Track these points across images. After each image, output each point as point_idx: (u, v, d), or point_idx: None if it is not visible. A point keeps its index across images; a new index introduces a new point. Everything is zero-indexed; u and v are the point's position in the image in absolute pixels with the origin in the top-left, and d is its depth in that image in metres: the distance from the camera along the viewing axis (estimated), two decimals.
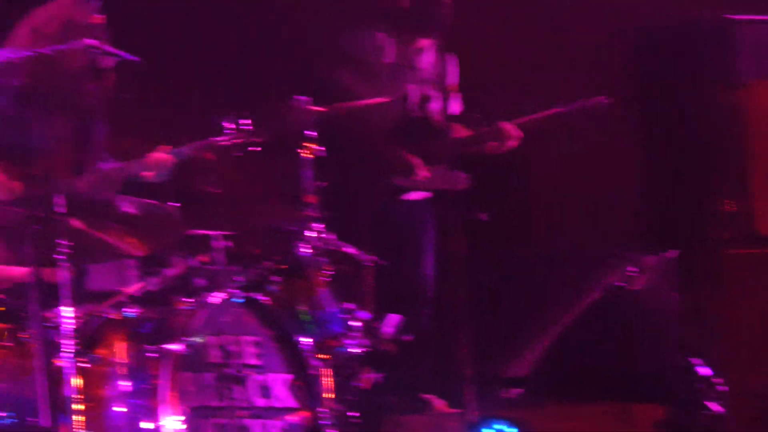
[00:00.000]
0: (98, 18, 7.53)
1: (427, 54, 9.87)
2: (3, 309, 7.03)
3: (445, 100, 9.84)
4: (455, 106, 9.90)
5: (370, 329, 8.29)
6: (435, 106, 9.85)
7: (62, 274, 6.94)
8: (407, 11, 9.71)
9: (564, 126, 9.90)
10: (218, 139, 8.43)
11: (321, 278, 8.18)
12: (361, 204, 9.49)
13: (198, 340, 7.51)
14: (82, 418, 6.89)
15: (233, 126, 8.38)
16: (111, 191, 8.40)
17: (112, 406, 7.42)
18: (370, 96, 9.23)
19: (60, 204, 6.95)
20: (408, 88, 9.78)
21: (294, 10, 10.45)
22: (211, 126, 8.43)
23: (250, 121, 8.40)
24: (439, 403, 9.52)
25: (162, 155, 8.45)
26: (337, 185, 8.85)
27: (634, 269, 9.89)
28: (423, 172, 9.63)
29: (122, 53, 7.90)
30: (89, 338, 7.53)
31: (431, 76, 9.87)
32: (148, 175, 8.45)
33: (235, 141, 8.41)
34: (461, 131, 9.78)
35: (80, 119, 8.61)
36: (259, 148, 8.51)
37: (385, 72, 9.71)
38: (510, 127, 9.64)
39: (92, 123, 8.67)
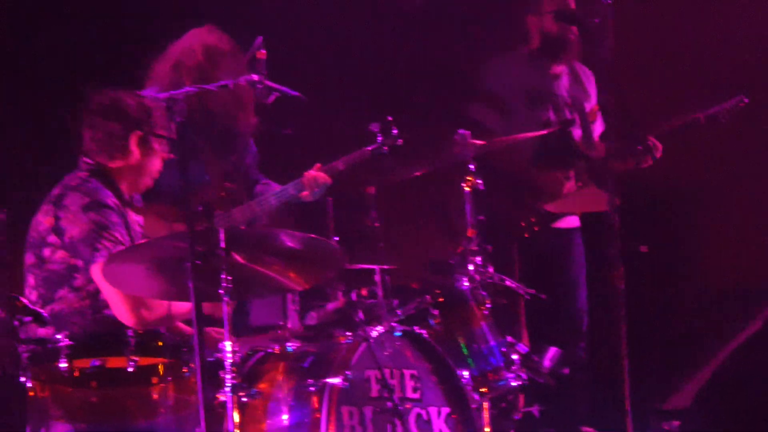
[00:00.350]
0: (261, 54, 7.39)
1: (564, 78, 9.75)
2: (161, 344, 6.81)
3: (587, 120, 9.73)
4: (597, 126, 9.78)
5: (528, 362, 8.11)
6: (577, 128, 9.73)
7: (224, 309, 6.80)
8: (547, 41, 9.63)
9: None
10: (368, 148, 8.43)
11: (480, 311, 8.04)
12: (513, 234, 9.32)
13: (358, 374, 7.36)
14: None
15: (382, 131, 8.38)
16: (269, 215, 8.50)
17: None
18: (516, 126, 9.17)
19: (221, 239, 6.81)
20: (551, 114, 9.64)
21: (443, 47, 10.25)
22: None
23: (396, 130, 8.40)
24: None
25: (317, 173, 8.42)
26: (492, 217, 8.70)
27: None
28: (571, 195, 9.52)
29: (285, 89, 7.81)
30: (250, 372, 7.48)
31: (571, 100, 9.75)
32: (305, 195, 8.43)
33: (385, 147, 8.40)
34: (605, 150, 9.58)
35: (240, 151, 8.53)
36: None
37: (529, 100, 9.61)
38: (654, 141, 9.43)
39: (249, 154, 8.57)
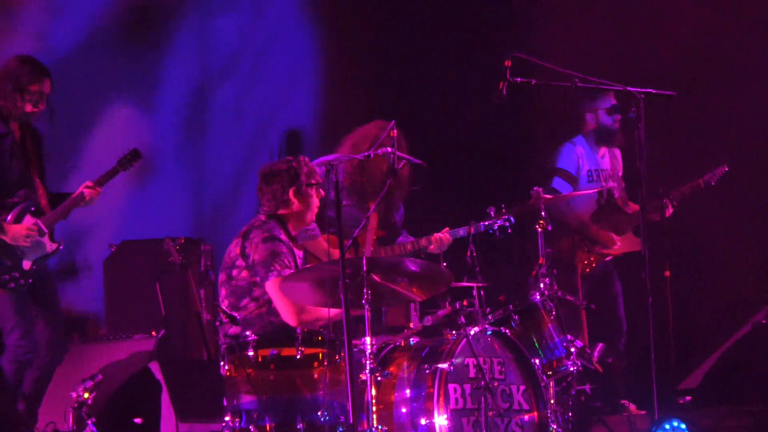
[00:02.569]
0: (395, 132, 7.33)
1: (607, 157, 9.58)
2: (320, 338, 6.80)
3: (622, 187, 9.63)
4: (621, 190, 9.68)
5: (583, 354, 7.97)
6: (616, 192, 9.58)
7: (365, 314, 6.80)
8: (601, 131, 9.47)
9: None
10: (482, 223, 8.29)
11: (548, 317, 7.88)
12: (577, 270, 9.21)
13: (460, 361, 7.28)
14: (376, 416, 6.73)
15: (495, 214, 8.28)
16: (404, 256, 8.34)
17: (398, 409, 7.27)
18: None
19: (364, 264, 6.81)
20: (603, 184, 9.50)
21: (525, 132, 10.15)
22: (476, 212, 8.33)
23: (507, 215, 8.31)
24: (631, 407, 9.17)
25: (444, 235, 8.34)
26: (562, 256, 8.84)
27: None
28: (617, 242, 9.38)
29: (412, 158, 7.77)
30: (383, 359, 7.44)
31: (612, 172, 9.58)
32: (432, 248, 8.36)
33: (496, 226, 8.30)
34: (635, 207, 9.43)
35: (385, 205, 8.50)
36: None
37: (587, 176, 9.48)
38: (667, 201, 9.24)
39: (398, 214, 8.56)
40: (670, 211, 9.23)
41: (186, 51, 10.57)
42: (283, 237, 7.45)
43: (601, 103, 9.42)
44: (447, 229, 8.37)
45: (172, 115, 10.54)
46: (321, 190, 7.60)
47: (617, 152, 9.66)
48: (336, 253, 7.51)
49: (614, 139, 9.51)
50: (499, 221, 8.27)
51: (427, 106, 10.43)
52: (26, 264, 7.86)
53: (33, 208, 7.94)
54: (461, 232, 8.32)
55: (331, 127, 9.57)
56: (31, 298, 7.94)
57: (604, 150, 9.53)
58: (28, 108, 7.95)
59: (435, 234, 8.36)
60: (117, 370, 8.43)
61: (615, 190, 9.55)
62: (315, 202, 7.61)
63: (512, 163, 10.46)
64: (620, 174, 9.64)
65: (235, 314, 7.11)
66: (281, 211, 7.55)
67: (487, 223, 8.27)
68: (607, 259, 9.41)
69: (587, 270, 9.14)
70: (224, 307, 7.31)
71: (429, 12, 10.67)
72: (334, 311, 6.95)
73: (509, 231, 8.30)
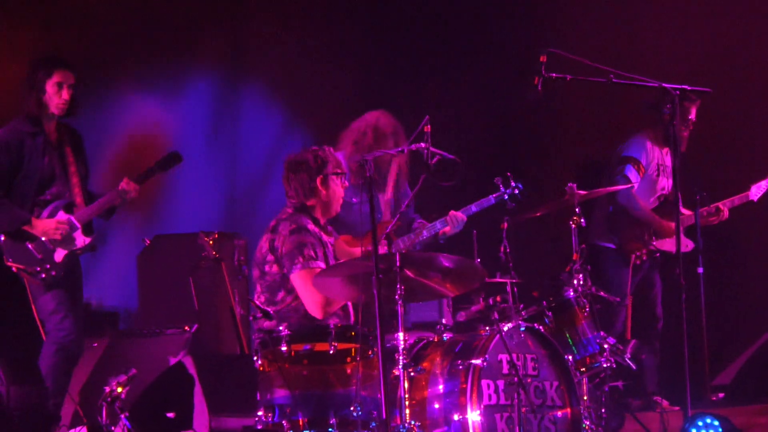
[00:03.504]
0: (427, 128, 7.29)
1: (668, 155, 9.48)
2: (353, 334, 6.80)
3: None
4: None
5: (616, 350, 7.88)
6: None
7: (398, 309, 6.80)
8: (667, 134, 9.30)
9: None
10: (492, 195, 8.34)
11: (581, 313, 7.85)
12: (629, 260, 9.14)
13: (493, 356, 7.27)
14: (409, 412, 6.76)
15: (502, 186, 8.31)
16: (422, 242, 8.37)
17: (431, 404, 7.26)
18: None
19: (397, 260, 6.82)
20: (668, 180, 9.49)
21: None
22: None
23: (514, 183, 8.31)
24: (664, 402, 9.15)
25: (457, 213, 8.34)
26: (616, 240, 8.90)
27: None
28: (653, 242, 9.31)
29: (444, 153, 7.71)
30: (416, 354, 7.43)
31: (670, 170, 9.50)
32: (447, 229, 8.35)
33: (506, 195, 8.30)
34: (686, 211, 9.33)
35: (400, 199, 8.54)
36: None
37: (657, 169, 9.49)
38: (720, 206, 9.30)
39: (407, 198, 8.51)
40: (725, 214, 9.31)
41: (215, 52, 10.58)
42: (311, 227, 7.42)
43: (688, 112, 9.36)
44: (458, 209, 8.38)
45: (204, 107, 10.52)
46: (345, 180, 7.59)
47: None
48: (356, 252, 7.53)
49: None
50: (508, 190, 8.28)
51: (455, 98, 10.39)
52: (58, 256, 8.04)
53: (66, 204, 8.10)
54: (473, 207, 8.33)
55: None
56: (65, 288, 8.08)
57: (666, 148, 9.45)
58: (52, 106, 8.07)
59: (450, 213, 8.33)
60: (150, 364, 8.44)
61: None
62: (340, 192, 7.60)
63: (544, 158, 10.41)
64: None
65: (270, 309, 7.11)
66: (309, 202, 7.52)
67: (497, 194, 8.29)
68: (657, 255, 9.33)
69: (638, 262, 9.04)
70: (260, 303, 7.31)
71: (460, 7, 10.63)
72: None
73: (520, 198, 8.30)
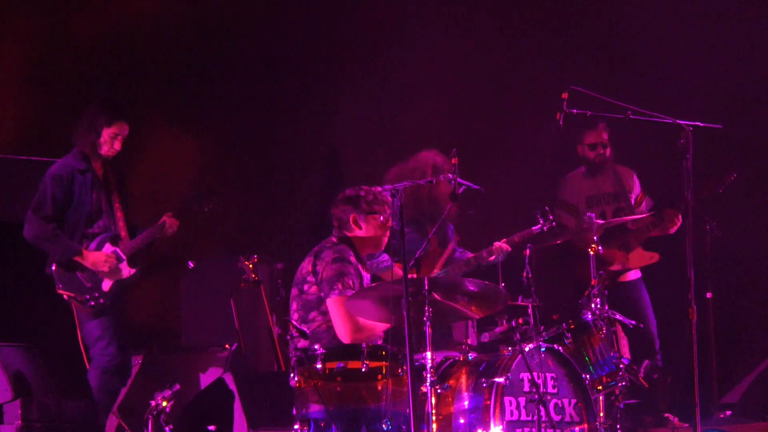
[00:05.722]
0: (455, 160, 7.48)
1: (609, 182, 9.64)
2: (384, 353, 6.94)
3: (631, 206, 9.63)
4: (644, 206, 9.68)
5: (630, 370, 8.01)
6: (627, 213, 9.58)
7: (426, 330, 6.92)
8: (588, 164, 9.60)
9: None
10: (534, 228, 8.48)
11: (598, 335, 7.95)
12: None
13: (515, 375, 7.37)
14: (436, 426, 6.85)
15: (541, 219, 8.46)
16: (466, 272, 8.51)
17: (456, 419, 7.35)
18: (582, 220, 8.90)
19: (425, 284, 6.93)
20: (605, 208, 9.56)
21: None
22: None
23: (551, 216, 8.46)
24: (674, 420, 9.18)
25: (502, 244, 8.52)
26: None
27: None
28: (626, 258, 9.42)
29: (470, 183, 7.89)
30: (443, 373, 7.50)
31: (616, 195, 9.65)
32: (492, 258, 8.52)
33: (545, 228, 8.46)
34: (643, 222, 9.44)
35: (444, 227, 8.65)
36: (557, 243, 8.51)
37: (587, 202, 9.59)
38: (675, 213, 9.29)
39: (451, 232, 8.69)
40: (677, 226, 9.23)
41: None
42: (352, 259, 7.57)
43: (588, 137, 9.54)
44: (504, 240, 8.56)
45: (244, 134, 10.68)
46: (385, 218, 7.74)
47: (627, 173, 9.70)
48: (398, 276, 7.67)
49: (600, 170, 9.60)
50: (546, 223, 8.47)
51: (485, 131, 10.55)
52: (105, 285, 8.28)
53: (112, 237, 8.34)
54: (516, 238, 8.52)
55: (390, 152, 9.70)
56: (111, 315, 8.28)
57: (603, 177, 9.61)
58: (104, 151, 8.30)
59: (495, 244, 8.54)
60: (193, 380, 8.58)
61: (624, 211, 9.57)
62: (378, 231, 7.68)
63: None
64: (634, 193, 9.68)
65: (305, 328, 7.27)
66: (351, 234, 7.72)
67: (537, 227, 8.48)
68: (627, 279, 9.45)
69: (605, 291, 9.16)
70: (294, 320, 7.44)
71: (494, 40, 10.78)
72: (378, 327, 7.15)
73: (556, 230, 8.51)
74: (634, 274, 9.55)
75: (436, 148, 8.71)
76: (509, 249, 8.53)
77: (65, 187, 8.27)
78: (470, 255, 8.71)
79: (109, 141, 8.32)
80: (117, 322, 8.28)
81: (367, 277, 7.68)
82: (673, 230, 9.30)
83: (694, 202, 8.94)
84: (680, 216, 9.21)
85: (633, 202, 9.62)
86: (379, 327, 7.30)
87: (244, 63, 10.55)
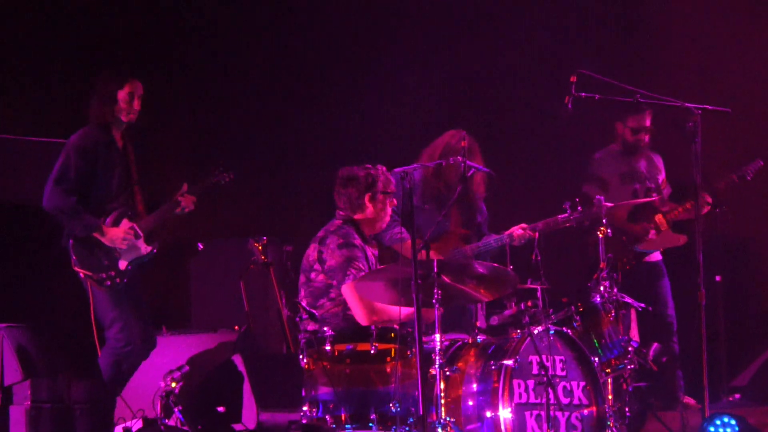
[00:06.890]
0: (465, 143, 7.45)
1: (642, 161, 9.61)
2: (393, 335, 6.95)
3: (660, 188, 9.60)
4: (666, 190, 9.65)
5: (639, 352, 7.99)
6: (655, 194, 9.53)
7: (436, 313, 6.95)
8: (626, 145, 9.58)
9: None
10: (560, 217, 8.42)
11: (607, 318, 7.92)
12: (618, 268, 9.00)
13: (524, 358, 7.36)
14: (444, 408, 6.91)
15: (570, 207, 8.39)
16: (489, 252, 8.48)
17: (465, 402, 7.35)
18: (613, 196, 9.04)
19: (435, 266, 6.94)
20: (636, 186, 9.53)
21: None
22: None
23: (580, 207, 8.37)
24: (692, 402, 9.14)
25: (520, 230, 8.42)
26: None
27: None
28: (653, 236, 9.29)
29: (481, 167, 7.85)
30: (452, 355, 7.51)
31: (649, 175, 9.60)
32: (514, 243, 8.41)
33: (571, 219, 8.39)
34: (671, 205, 9.42)
35: (467, 208, 8.57)
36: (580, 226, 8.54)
37: (620, 179, 9.57)
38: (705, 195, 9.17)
39: (481, 214, 8.63)
40: (706, 209, 9.14)
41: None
42: (358, 241, 7.58)
43: (631, 121, 9.49)
44: (524, 225, 8.46)
45: (253, 114, 10.61)
46: (394, 199, 7.72)
47: (657, 157, 9.68)
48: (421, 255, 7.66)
49: (639, 153, 9.57)
50: (575, 214, 8.39)
51: (501, 114, 10.51)
52: (122, 264, 8.05)
53: (130, 213, 8.12)
54: (539, 225, 8.43)
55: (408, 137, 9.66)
56: (126, 296, 8.11)
57: (638, 156, 9.57)
58: (124, 116, 8.12)
59: (513, 228, 8.43)
60: (202, 361, 8.55)
61: (653, 191, 9.55)
62: (387, 210, 7.74)
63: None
64: (661, 176, 9.65)
65: (315, 311, 7.25)
66: (356, 216, 7.68)
67: (563, 216, 8.41)
68: (650, 259, 9.40)
69: (627, 268, 9.09)
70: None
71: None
72: (404, 312, 7.08)
73: (582, 221, 8.43)
74: (656, 256, 9.50)
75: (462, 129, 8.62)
76: (531, 234, 8.42)
77: (89, 159, 8.00)
78: (494, 236, 8.63)
79: (127, 104, 8.09)
80: (132, 305, 8.08)
81: (374, 253, 7.69)
82: (704, 211, 9.18)
83: (721, 188, 8.97)
84: (708, 197, 9.16)
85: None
86: (396, 311, 7.24)
87: (255, 44, 10.48)
